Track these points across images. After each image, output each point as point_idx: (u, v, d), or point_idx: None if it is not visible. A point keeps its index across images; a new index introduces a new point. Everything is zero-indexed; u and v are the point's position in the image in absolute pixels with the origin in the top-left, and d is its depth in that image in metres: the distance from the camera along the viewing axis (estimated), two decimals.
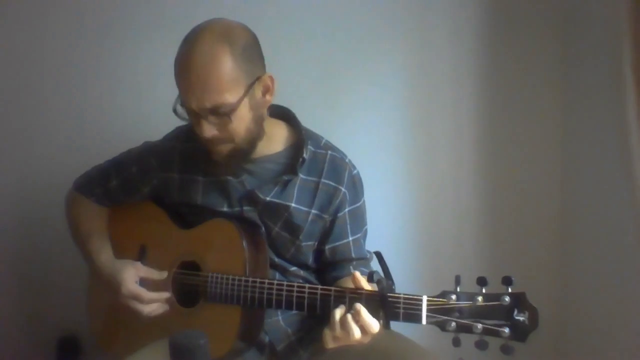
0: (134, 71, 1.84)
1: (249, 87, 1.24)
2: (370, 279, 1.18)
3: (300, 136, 1.40)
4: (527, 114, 1.92)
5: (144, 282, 1.38)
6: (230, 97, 1.21)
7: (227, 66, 1.20)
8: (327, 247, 1.42)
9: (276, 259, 1.41)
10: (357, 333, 1.15)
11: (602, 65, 1.66)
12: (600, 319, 1.78)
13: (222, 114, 1.22)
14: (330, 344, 1.18)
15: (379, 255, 1.39)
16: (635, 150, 1.51)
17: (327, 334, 1.18)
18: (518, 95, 1.91)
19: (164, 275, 1.39)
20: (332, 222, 1.41)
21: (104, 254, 1.43)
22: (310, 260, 1.44)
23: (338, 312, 1.18)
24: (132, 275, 1.36)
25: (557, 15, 1.86)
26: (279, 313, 1.41)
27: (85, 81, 1.85)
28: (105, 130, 1.86)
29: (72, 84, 1.85)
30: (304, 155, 1.37)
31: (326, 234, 1.41)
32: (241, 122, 1.26)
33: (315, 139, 1.44)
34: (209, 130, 1.24)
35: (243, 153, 1.32)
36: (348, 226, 1.42)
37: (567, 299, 1.96)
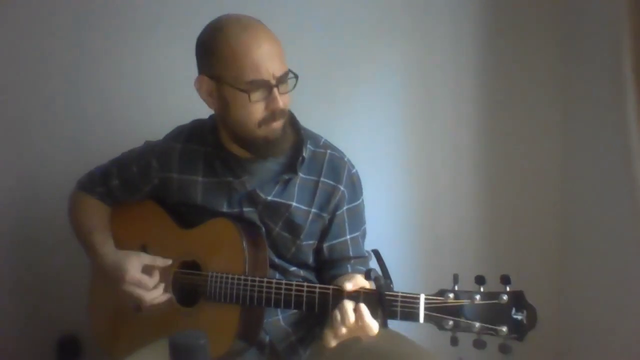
0: (136, 70, 1.84)
1: None
2: (367, 277, 1.19)
3: (299, 136, 1.41)
4: (527, 114, 1.92)
5: (146, 273, 1.38)
6: (286, 64, 1.31)
7: (276, 36, 1.31)
8: (325, 245, 1.42)
9: (276, 260, 1.41)
10: (351, 317, 1.15)
11: (602, 65, 1.66)
12: (600, 319, 1.78)
13: (288, 80, 1.30)
14: (332, 342, 1.19)
15: (376, 253, 1.39)
16: (635, 150, 1.51)
17: (327, 333, 1.19)
18: (518, 95, 1.91)
19: (167, 262, 1.39)
20: (331, 220, 1.41)
21: (107, 246, 1.43)
22: (310, 259, 1.44)
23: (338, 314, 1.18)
24: (136, 264, 1.37)
25: (557, 15, 1.86)
26: (279, 313, 1.41)
27: (87, 80, 1.85)
28: (107, 129, 1.86)
29: (74, 83, 1.85)
30: (303, 154, 1.38)
31: (324, 232, 1.42)
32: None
33: (314, 138, 1.45)
34: (282, 100, 1.29)
35: (288, 128, 1.36)
36: (346, 224, 1.42)
37: (566, 298, 1.96)
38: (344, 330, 1.16)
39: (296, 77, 1.31)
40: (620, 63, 1.52)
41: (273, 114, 1.29)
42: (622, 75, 1.51)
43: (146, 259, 1.39)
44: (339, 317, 1.16)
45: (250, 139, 1.33)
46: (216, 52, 1.28)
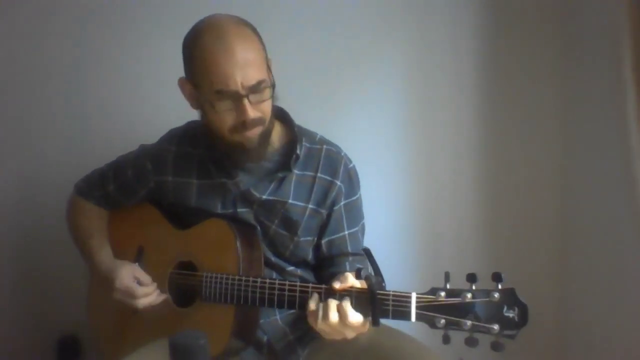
0: (136, 70, 1.85)
1: (268, 65, 1.30)
2: (358, 276, 1.18)
3: (293, 133, 1.41)
4: (527, 113, 1.92)
5: (139, 282, 1.38)
6: (264, 73, 1.27)
7: (257, 44, 1.27)
8: (324, 240, 1.42)
9: (273, 259, 1.41)
10: (333, 316, 1.14)
11: (602, 65, 1.66)
12: (599, 318, 1.78)
13: (262, 90, 1.26)
14: (312, 324, 1.18)
15: (367, 252, 1.38)
16: (635, 150, 1.51)
17: (311, 320, 1.18)
18: (518, 94, 1.91)
19: (155, 285, 1.39)
20: (329, 215, 1.41)
21: (104, 253, 1.44)
22: (309, 256, 1.44)
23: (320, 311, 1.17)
24: (129, 273, 1.38)
25: (557, 15, 1.86)
26: (277, 312, 1.41)
27: (86, 83, 1.85)
28: (107, 129, 1.86)
29: (74, 83, 1.85)
30: (297, 151, 1.38)
31: (323, 228, 1.42)
32: (270, 99, 1.30)
33: (310, 135, 1.45)
34: (252, 111, 1.25)
35: (268, 135, 1.34)
36: (344, 219, 1.42)
37: (566, 298, 1.95)
38: (325, 327, 1.16)
39: (273, 85, 1.28)
40: (620, 63, 1.51)
41: (244, 123, 1.26)
42: (622, 75, 1.51)
43: (138, 272, 1.40)
44: (320, 313, 1.16)
45: (225, 144, 1.31)
46: (192, 57, 1.27)
